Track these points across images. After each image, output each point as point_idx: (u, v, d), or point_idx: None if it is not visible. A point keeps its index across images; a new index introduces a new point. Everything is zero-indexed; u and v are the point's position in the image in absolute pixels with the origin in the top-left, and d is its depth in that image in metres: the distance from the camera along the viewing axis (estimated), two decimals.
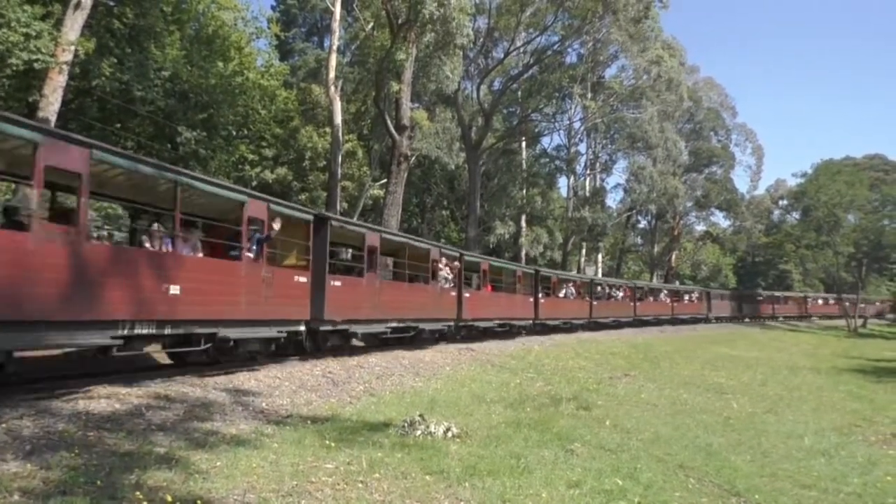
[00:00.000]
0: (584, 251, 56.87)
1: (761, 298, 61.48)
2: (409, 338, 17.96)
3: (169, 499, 4.94)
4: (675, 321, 46.04)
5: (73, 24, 15.80)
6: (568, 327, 31.68)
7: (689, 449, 9.30)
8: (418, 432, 8.11)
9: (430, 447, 7.45)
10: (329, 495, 5.57)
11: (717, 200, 70.92)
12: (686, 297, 49.73)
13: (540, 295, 28.04)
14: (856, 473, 8.79)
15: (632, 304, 40.54)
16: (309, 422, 8.53)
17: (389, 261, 18.01)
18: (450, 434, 8.19)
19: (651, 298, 44.51)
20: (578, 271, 52.09)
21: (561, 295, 31.57)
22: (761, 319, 60.20)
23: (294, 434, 7.62)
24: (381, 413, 9.57)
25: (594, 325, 35.16)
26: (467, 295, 21.46)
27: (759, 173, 73.35)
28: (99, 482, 5.18)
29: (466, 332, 22.07)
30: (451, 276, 20.04)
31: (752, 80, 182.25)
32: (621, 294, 40.47)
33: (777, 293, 66.77)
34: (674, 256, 70.95)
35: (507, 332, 25.27)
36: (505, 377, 15.33)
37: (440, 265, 19.16)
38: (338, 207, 29.30)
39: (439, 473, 6.47)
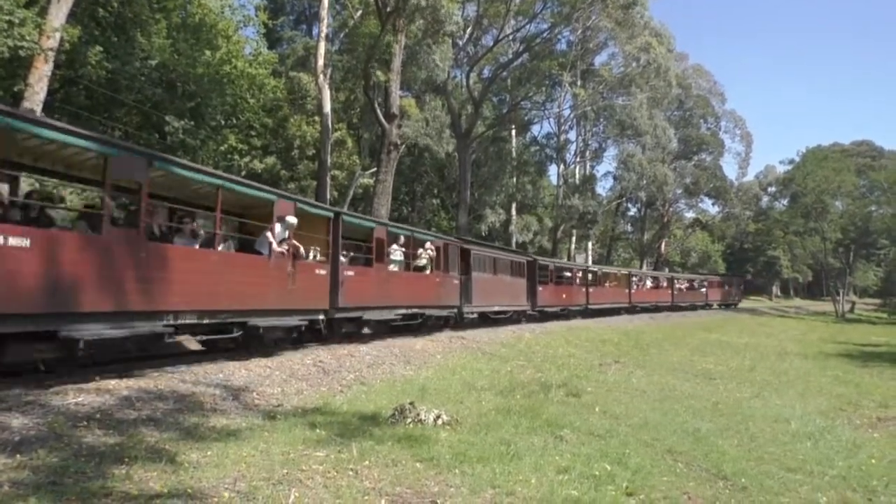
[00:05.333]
0: (574, 239, 57.03)
1: (569, 276, 34.61)
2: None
3: (159, 488, 4.96)
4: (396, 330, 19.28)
5: (58, 13, 15.63)
6: None
7: (677, 434, 9.38)
8: (409, 420, 8.14)
9: (421, 435, 7.49)
10: (320, 483, 5.60)
11: (707, 187, 71.20)
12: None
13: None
14: (841, 456, 8.90)
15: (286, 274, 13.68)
16: (299, 411, 8.55)
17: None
18: (440, 421, 8.22)
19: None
20: (569, 259, 52.20)
21: None
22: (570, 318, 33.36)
23: (284, 423, 7.63)
24: (372, 401, 9.59)
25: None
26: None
27: (748, 160, 73.77)
28: (89, 472, 5.19)
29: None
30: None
31: (740, 66, 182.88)
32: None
33: (594, 268, 41.60)
34: (663, 244, 71.32)
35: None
36: (495, 365, 15.39)
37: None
38: (327, 197, 29.21)
39: (429, 460, 6.51)
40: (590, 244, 61.02)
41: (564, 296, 32.79)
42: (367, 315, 16.06)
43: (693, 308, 51.82)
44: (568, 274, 34.54)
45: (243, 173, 31.35)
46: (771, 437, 9.86)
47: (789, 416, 11.54)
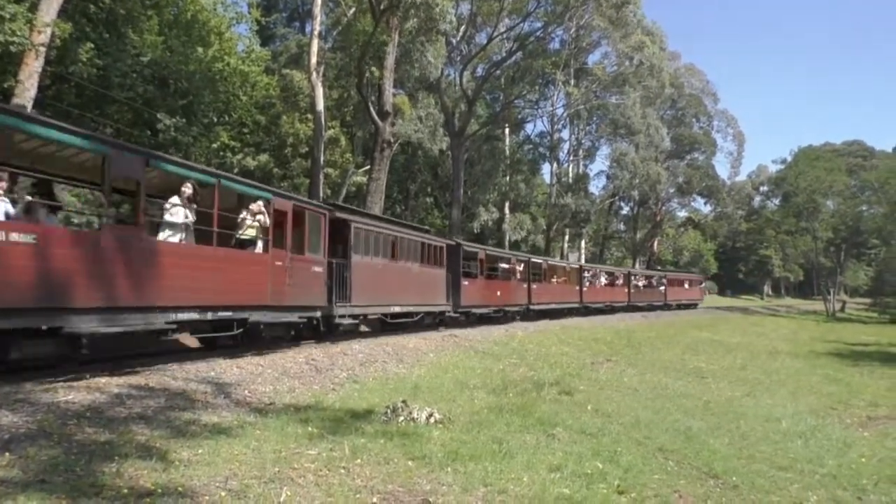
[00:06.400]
0: (567, 237, 57.11)
1: (506, 269, 28.25)
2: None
3: (150, 486, 4.94)
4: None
5: (49, 8, 15.54)
6: None
7: (668, 432, 9.42)
8: (401, 418, 8.14)
9: (413, 433, 7.49)
10: (311, 481, 5.59)
11: (699, 187, 71.50)
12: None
13: None
14: (831, 455, 8.95)
15: None
16: (291, 409, 8.53)
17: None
18: (432, 420, 8.23)
19: None
20: (562, 257, 52.26)
21: None
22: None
23: (276, 421, 7.62)
24: (364, 400, 9.59)
25: None
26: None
27: (740, 159, 74.25)
28: (79, 470, 5.16)
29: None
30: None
31: (733, 67, 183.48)
32: None
33: (539, 259, 33.18)
34: (656, 242, 71.51)
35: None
36: (488, 363, 15.40)
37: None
38: (320, 195, 29.15)
39: (421, 459, 6.51)
40: (583, 243, 61.16)
41: (499, 293, 26.56)
42: (81, 322, 8.47)
43: (651, 308, 46.44)
44: (505, 266, 28.11)
45: (236, 170, 31.22)
46: (762, 436, 9.91)
47: (780, 415, 11.61)
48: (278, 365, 11.26)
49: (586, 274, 38.22)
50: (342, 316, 15.52)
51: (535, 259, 32.13)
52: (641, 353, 21.49)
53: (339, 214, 15.91)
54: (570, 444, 7.88)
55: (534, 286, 30.15)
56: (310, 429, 7.31)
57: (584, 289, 36.70)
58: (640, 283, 46.61)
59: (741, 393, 14.24)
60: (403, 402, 8.62)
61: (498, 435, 7.88)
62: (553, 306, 32.28)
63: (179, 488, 4.99)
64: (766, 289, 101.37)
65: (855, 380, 17.59)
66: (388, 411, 8.35)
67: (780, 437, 9.93)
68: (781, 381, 16.57)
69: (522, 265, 29.43)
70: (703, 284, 62.20)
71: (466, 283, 23.30)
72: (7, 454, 5.37)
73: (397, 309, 18.53)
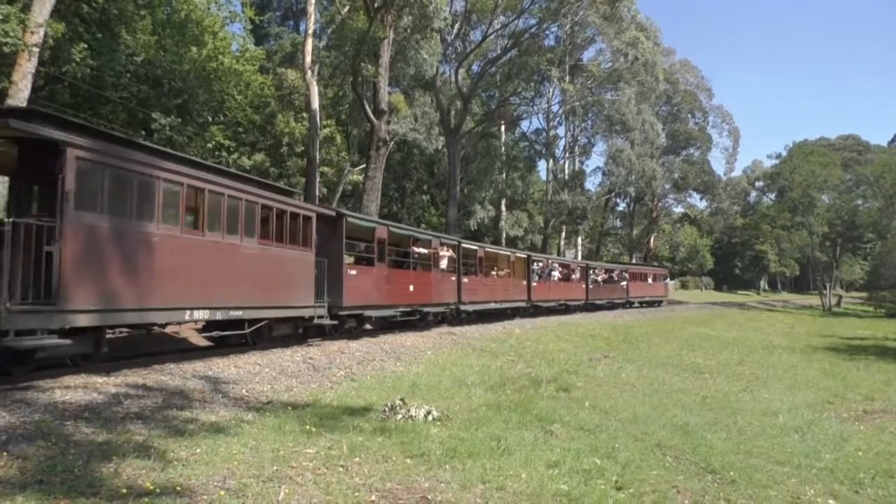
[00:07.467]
0: (563, 234, 57.14)
1: (423, 254, 21.08)
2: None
3: (148, 486, 4.93)
4: None
5: (42, 8, 15.48)
6: None
7: (666, 428, 9.42)
8: (399, 416, 8.14)
9: (411, 431, 7.49)
10: (310, 480, 5.59)
11: (695, 182, 71.63)
12: None
13: None
14: (828, 449, 8.96)
15: None
16: (289, 408, 8.53)
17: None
18: (430, 417, 8.23)
19: None
20: (558, 254, 52.26)
21: None
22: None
23: (274, 420, 7.61)
24: (362, 398, 9.59)
25: None
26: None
27: (736, 155, 74.27)
28: (77, 471, 5.15)
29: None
30: None
31: (728, 62, 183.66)
32: None
33: (473, 245, 26.55)
34: (652, 238, 71.57)
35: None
36: (486, 360, 15.41)
37: None
38: (316, 193, 29.11)
39: (420, 456, 6.51)
40: (579, 240, 61.21)
41: (412, 288, 19.60)
42: None
43: (612, 307, 41.74)
44: (422, 251, 20.96)
45: (232, 170, 31.13)
46: (759, 431, 9.92)
47: (777, 410, 11.62)
48: (276, 364, 11.26)
49: (536, 266, 31.82)
50: (34, 332, 7.84)
51: (469, 245, 25.72)
52: (639, 349, 21.50)
53: (33, 129, 7.99)
54: (568, 441, 7.88)
55: (465, 280, 23.73)
56: (308, 427, 7.31)
57: (534, 284, 30.78)
58: (600, 278, 41.07)
59: (738, 388, 14.26)
60: (401, 399, 8.62)
61: (496, 432, 7.88)
62: (493, 306, 26.27)
63: (178, 487, 4.99)
64: (763, 284, 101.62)
65: (851, 374, 17.62)
66: (387, 409, 8.36)
67: (777, 431, 9.94)
68: (778, 376, 16.59)
69: (450, 251, 22.76)
70: (668, 280, 58.11)
71: (354, 272, 16.49)
72: (5, 454, 5.36)
73: (202, 315, 10.97)
